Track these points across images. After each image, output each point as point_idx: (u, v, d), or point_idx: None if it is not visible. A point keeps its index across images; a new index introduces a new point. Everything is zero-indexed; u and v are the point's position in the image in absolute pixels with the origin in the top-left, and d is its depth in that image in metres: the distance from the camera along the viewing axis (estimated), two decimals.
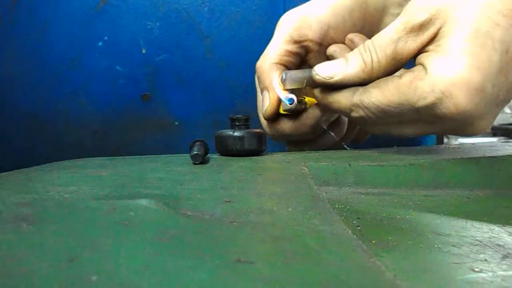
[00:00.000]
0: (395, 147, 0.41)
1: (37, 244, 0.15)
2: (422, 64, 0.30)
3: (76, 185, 0.25)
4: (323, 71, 0.33)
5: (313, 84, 0.36)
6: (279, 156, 0.38)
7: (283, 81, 0.36)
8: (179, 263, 0.14)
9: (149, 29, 0.45)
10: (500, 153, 0.33)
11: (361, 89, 0.33)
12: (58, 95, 0.47)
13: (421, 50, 0.31)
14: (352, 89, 0.33)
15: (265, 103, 0.38)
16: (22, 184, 0.26)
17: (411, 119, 0.31)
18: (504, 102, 0.30)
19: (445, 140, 0.84)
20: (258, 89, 0.41)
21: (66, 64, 0.46)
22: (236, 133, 0.36)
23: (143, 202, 0.21)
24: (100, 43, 0.46)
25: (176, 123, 0.48)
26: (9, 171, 0.33)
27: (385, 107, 0.31)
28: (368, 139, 0.46)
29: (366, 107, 0.32)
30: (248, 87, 0.46)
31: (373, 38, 0.32)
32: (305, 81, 0.36)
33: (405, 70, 0.31)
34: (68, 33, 0.46)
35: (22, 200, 0.21)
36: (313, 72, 0.34)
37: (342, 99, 0.33)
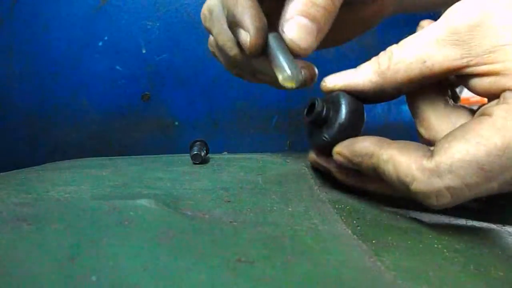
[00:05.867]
0: None
1: (37, 244, 0.15)
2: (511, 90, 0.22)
3: (76, 185, 0.25)
4: (331, 79, 0.27)
5: None
6: (279, 156, 0.38)
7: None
8: (179, 263, 0.14)
9: (149, 29, 0.45)
10: None
11: (432, 150, 0.22)
12: (58, 95, 0.47)
13: (472, 69, 0.23)
14: (421, 148, 0.23)
15: (244, 36, 0.26)
16: (22, 184, 0.26)
17: None
18: None
19: None
20: (218, 24, 0.30)
21: (66, 64, 0.46)
22: (340, 121, 0.26)
23: (143, 202, 0.21)
24: (100, 43, 0.46)
25: (176, 123, 0.48)
26: (9, 171, 0.33)
27: (484, 159, 0.20)
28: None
29: (449, 171, 0.20)
30: (248, 87, 0.46)
31: (401, 41, 0.25)
32: None
33: (485, 108, 0.22)
34: (68, 33, 0.46)
35: (22, 200, 0.21)
36: (322, 83, 0.28)
37: (403, 159, 0.22)
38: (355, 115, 0.26)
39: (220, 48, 0.31)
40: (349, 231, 0.20)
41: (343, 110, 0.26)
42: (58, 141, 0.48)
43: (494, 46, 0.22)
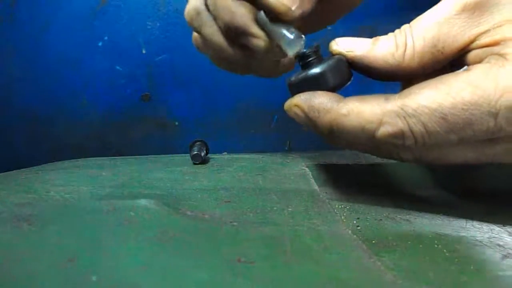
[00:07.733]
0: None
1: (37, 244, 0.15)
2: (498, 54, 0.22)
3: (76, 185, 0.25)
4: (344, 43, 0.26)
5: None
6: (279, 156, 0.38)
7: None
8: (179, 263, 0.14)
9: (149, 29, 0.45)
10: None
11: (396, 94, 0.23)
12: (58, 95, 0.47)
13: (476, 42, 0.23)
14: (381, 96, 0.23)
15: (257, 42, 0.28)
16: (22, 184, 0.26)
17: (480, 133, 0.21)
18: None
19: None
20: (209, 25, 0.30)
21: (66, 64, 0.46)
22: (314, 70, 0.25)
23: (143, 202, 0.21)
24: (100, 43, 0.46)
25: (176, 123, 0.48)
26: (9, 171, 0.33)
27: (447, 110, 0.21)
28: None
29: (413, 115, 0.21)
30: (248, 87, 0.46)
31: (412, 22, 0.25)
32: None
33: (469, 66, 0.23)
34: (68, 33, 0.46)
35: (22, 200, 0.21)
36: (332, 42, 0.26)
37: (366, 107, 0.23)
38: (327, 79, 0.25)
39: (214, 48, 0.31)
40: (349, 231, 0.20)
41: (320, 67, 0.25)
42: (58, 141, 0.48)
43: (501, 21, 0.22)
